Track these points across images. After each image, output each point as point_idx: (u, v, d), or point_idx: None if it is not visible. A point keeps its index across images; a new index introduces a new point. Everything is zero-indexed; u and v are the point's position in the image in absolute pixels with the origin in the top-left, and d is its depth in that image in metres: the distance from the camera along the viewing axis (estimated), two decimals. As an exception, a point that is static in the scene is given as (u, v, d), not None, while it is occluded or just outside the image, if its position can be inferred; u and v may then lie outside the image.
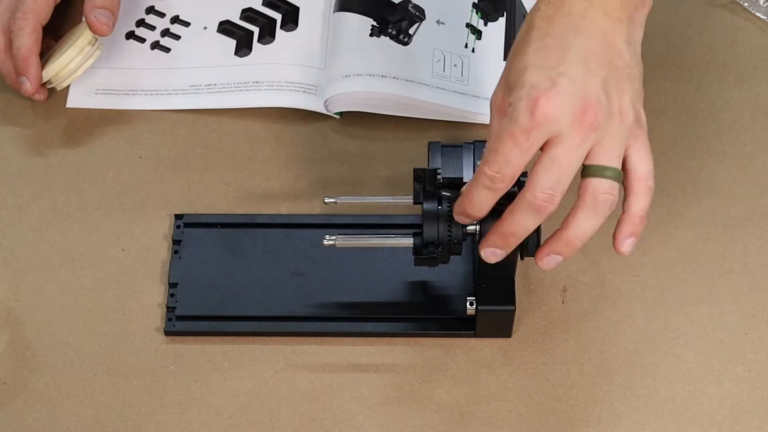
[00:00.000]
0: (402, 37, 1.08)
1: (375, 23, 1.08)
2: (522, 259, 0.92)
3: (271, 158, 1.05)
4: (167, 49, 1.10)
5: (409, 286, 0.98)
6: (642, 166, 0.85)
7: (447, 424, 0.94)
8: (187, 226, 1.01)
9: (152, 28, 1.11)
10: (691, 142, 1.05)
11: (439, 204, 0.89)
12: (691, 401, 0.94)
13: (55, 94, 1.08)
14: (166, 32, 1.11)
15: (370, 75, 1.05)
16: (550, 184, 0.82)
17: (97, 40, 1.06)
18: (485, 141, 0.86)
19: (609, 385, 0.95)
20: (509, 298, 0.93)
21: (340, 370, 0.96)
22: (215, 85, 1.08)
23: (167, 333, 0.97)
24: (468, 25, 1.10)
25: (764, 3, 1.11)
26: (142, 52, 1.10)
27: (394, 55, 1.07)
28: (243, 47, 1.10)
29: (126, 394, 0.95)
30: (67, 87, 1.08)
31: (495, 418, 0.94)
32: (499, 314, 0.94)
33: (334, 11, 1.09)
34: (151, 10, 1.12)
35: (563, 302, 0.98)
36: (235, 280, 0.99)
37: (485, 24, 1.10)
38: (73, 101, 1.08)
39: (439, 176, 0.90)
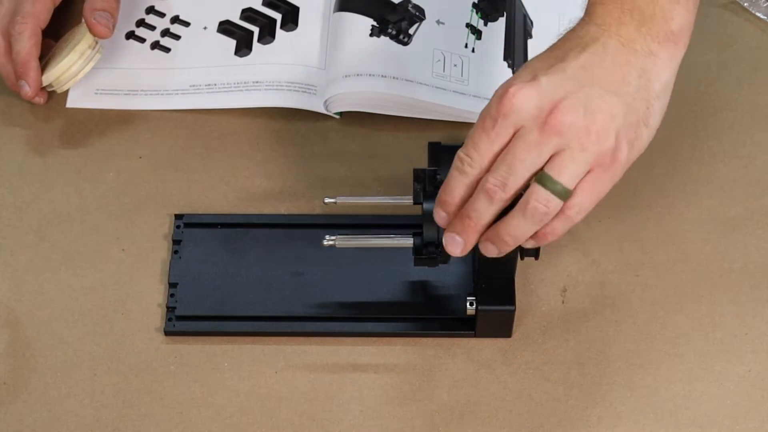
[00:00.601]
0: (402, 37, 1.08)
1: (375, 23, 1.08)
2: (522, 259, 0.92)
3: (271, 158, 1.05)
4: (167, 49, 1.10)
5: (409, 286, 0.98)
6: (576, 200, 0.83)
7: (447, 424, 0.94)
8: (187, 226, 1.01)
9: (152, 28, 1.11)
10: (691, 142, 1.05)
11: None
12: (691, 401, 0.94)
13: (55, 95, 1.08)
14: (166, 32, 1.11)
15: (370, 75, 1.05)
16: (501, 172, 0.82)
17: (97, 43, 1.06)
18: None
19: (609, 385, 0.95)
20: (509, 298, 0.93)
21: (340, 370, 0.96)
22: (215, 85, 1.08)
23: (167, 333, 0.97)
24: (468, 25, 1.10)
25: (764, 3, 1.11)
26: (142, 52, 1.10)
27: (394, 55, 1.07)
28: (243, 47, 1.10)
29: (126, 394, 0.95)
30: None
31: (495, 418, 0.94)
32: (499, 314, 0.94)
33: (334, 11, 1.09)
34: (151, 10, 1.12)
35: (563, 302, 0.98)
36: (235, 280, 0.99)
37: (485, 24, 1.10)
38: (73, 101, 1.08)
39: (438, 176, 0.90)
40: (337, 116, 1.07)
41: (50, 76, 1.05)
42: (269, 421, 0.94)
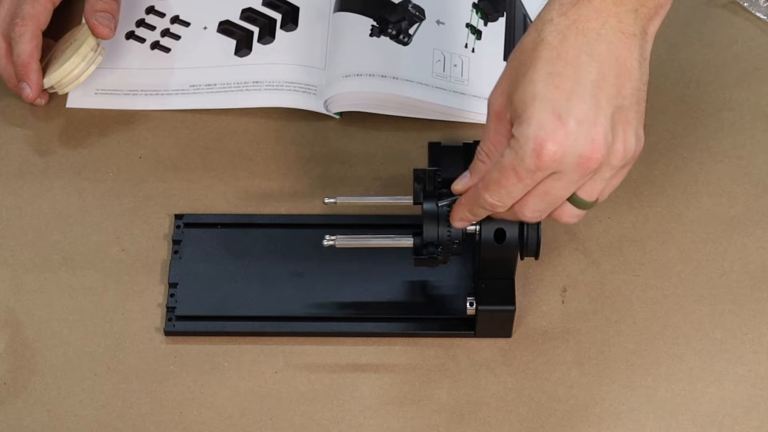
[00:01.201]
0: (402, 37, 1.08)
1: (375, 23, 1.08)
2: (522, 259, 0.92)
3: (271, 158, 1.05)
4: (167, 49, 1.10)
5: (409, 286, 0.98)
6: (605, 195, 0.85)
7: (447, 424, 0.94)
8: (187, 226, 1.01)
9: (152, 28, 1.11)
10: (691, 142, 1.05)
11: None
12: (691, 401, 0.94)
13: (56, 95, 1.08)
14: (166, 32, 1.11)
15: (370, 75, 1.05)
16: (539, 208, 0.83)
17: (99, 45, 1.06)
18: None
19: (609, 385, 0.95)
20: (509, 298, 0.93)
21: (340, 370, 0.96)
22: (215, 85, 1.08)
23: (167, 333, 0.97)
24: (468, 25, 1.10)
25: (764, 3, 1.11)
26: (142, 52, 1.10)
27: (394, 55, 1.07)
28: (243, 47, 1.10)
29: (126, 394, 0.95)
30: (68, 88, 1.08)
31: (495, 418, 0.94)
32: (499, 314, 0.94)
33: (334, 11, 1.09)
34: (151, 10, 1.12)
35: (563, 302, 0.98)
36: (235, 280, 0.99)
37: (485, 24, 1.10)
38: (73, 101, 1.08)
39: (439, 178, 0.90)
40: (337, 116, 1.07)
41: (52, 79, 1.05)
42: (269, 421, 0.94)
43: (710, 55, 1.10)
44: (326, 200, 0.95)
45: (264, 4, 1.12)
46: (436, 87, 1.06)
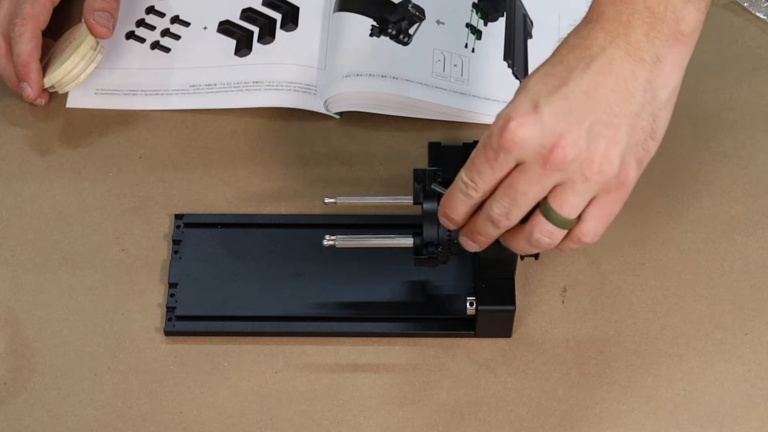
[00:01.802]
0: (402, 37, 1.08)
1: (375, 23, 1.08)
2: (522, 259, 0.92)
3: (271, 158, 1.05)
4: (167, 49, 1.10)
5: (409, 286, 0.98)
6: (587, 227, 0.82)
7: (447, 424, 0.94)
8: (187, 226, 1.01)
9: (152, 28, 1.11)
10: (691, 142, 1.05)
11: (439, 204, 0.89)
12: (691, 401, 0.94)
13: (56, 95, 1.08)
14: (166, 32, 1.11)
15: (370, 75, 1.05)
16: (504, 204, 0.82)
17: (98, 43, 1.06)
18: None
19: (609, 385, 0.95)
20: (509, 298, 0.93)
21: (340, 370, 0.96)
22: (215, 85, 1.08)
23: (167, 333, 0.97)
24: (468, 25, 1.10)
25: (764, 3, 1.11)
26: (142, 52, 1.10)
27: (394, 55, 1.07)
28: (243, 47, 1.10)
29: (126, 394, 0.95)
30: (67, 88, 1.08)
31: (495, 418, 0.94)
32: (499, 314, 0.94)
33: (334, 11, 1.09)
34: (151, 10, 1.12)
35: (563, 302, 0.98)
36: (235, 280, 0.99)
37: (485, 24, 1.10)
38: (73, 101, 1.08)
39: (439, 178, 0.90)
40: (337, 116, 1.07)
41: (52, 79, 1.05)
42: (269, 421, 0.94)
43: (710, 55, 1.10)
44: (326, 200, 0.95)
45: (264, 4, 1.12)
46: (436, 87, 1.06)
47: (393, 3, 1.09)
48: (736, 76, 1.09)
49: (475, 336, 0.96)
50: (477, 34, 1.10)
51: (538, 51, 1.09)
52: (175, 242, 1.00)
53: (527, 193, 0.81)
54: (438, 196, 0.89)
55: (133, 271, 1.00)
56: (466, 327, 0.96)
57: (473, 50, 1.09)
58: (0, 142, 1.06)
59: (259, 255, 1.00)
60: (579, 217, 0.82)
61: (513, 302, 0.93)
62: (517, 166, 0.80)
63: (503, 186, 0.81)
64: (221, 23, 1.11)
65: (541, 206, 0.82)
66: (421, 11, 1.09)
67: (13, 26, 1.04)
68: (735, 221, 1.02)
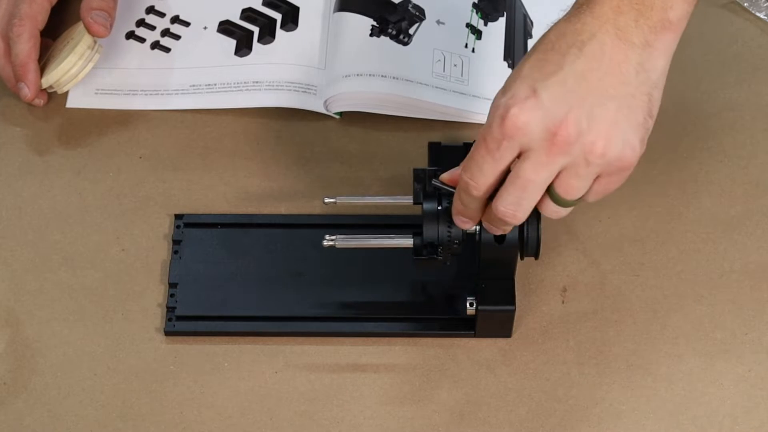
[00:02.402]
0: (402, 37, 1.08)
1: (375, 23, 1.08)
2: (522, 259, 0.92)
3: (271, 158, 1.05)
4: (167, 49, 1.10)
5: (409, 286, 0.98)
6: (589, 198, 0.84)
7: (447, 424, 0.94)
8: (187, 226, 1.01)
9: (152, 28, 1.11)
10: (691, 142, 1.05)
11: (439, 204, 0.89)
12: (691, 401, 0.94)
13: (55, 95, 1.08)
14: (166, 32, 1.11)
15: (370, 75, 1.05)
16: (512, 200, 0.82)
17: (96, 42, 1.06)
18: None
19: (609, 385, 0.95)
20: (509, 298, 0.93)
21: (340, 370, 0.96)
22: (215, 85, 1.08)
23: (167, 333, 0.97)
24: (468, 25, 1.10)
25: (764, 3, 1.11)
26: (142, 52, 1.10)
27: (394, 55, 1.07)
28: (243, 47, 1.10)
29: (126, 394, 0.95)
30: (67, 88, 1.08)
31: (495, 418, 0.94)
32: (499, 314, 0.94)
33: (334, 11, 1.09)
34: (151, 10, 1.12)
35: (563, 302, 0.98)
36: (235, 280, 0.99)
37: (485, 24, 1.10)
38: (73, 101, 1.08)
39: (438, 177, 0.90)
40: (337, 116, 1.07)
41: (50, 79, 1.05)
42: (269, 421, 0.94)
43: (710, 55, 1.10)
44: (326, 200, 0.95)
45: (264, 4, 1.12)
46: (436, 87, 1.06)
47: (393, 3, 1.09)
48: (736, 76, 1.09)
49: (475, 336, 0.96)
50: (477, 34, 1.10)
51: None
52: (175, 242, 1.00)
53: (536, 180, 0.81)
54: (438, 192, 0.89)
55: (133, 271, 1.00)
56: (466, 327, 0.96)
57: (473, 50, 1.09)
58: (0, 142, 1.06)
59: (259, 255, 1.00)
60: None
61: (513, 302, 0.93)
62: (519, 155, 0.80)
63: (509, 180, 0.81)
64: (221, 23, 1.11)
65: (549, 193, 0.82)
66: (421, 11, 1.09)
67: (11, 26, 1.04)
68: (735, 221, 1.02)
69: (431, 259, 0.91)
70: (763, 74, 1.09)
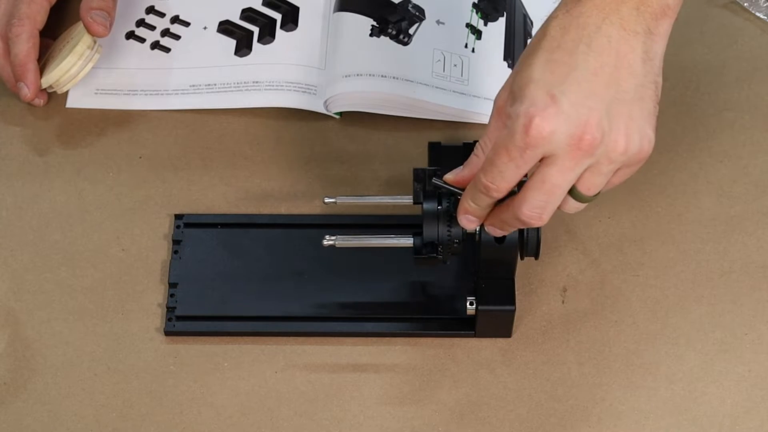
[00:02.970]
0: (402, 37, 1.08)
1: (375, 23, 1.08)
2: (522, 258, 0.92)
3: (271, 158, 1.05)
4: (167, 49, 1.10)
5: (409, 286, 0.98)
6: (610, 186, 0.85)
7: (447, 424, 0.94)
8: (187, 226, 1.01)
9: (152, 28, 1.11)
10: (691, 142, 1.05)
11: (439, 204, 0.89)
12: (691, 401, 0.94)
13: (55, 95, 1.08)
14: (166, 32, 1.11)
15: (370, 75, 1.05)
16: (538, 203, 0.82)
17: (96, 42, 1.06)
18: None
19: (609, 385, 0.95)
20: (509, 298, 0.93)
21: (340, 370, 0.96)
22: (215, 85, 1.08)
23: (167, 333, 0.97)
24: (468, 25, 1.10)
25: (764, 3, 1.11)
26: (142, 52, 1.10)
27: (394, 55, 1.07)
28: (243, 47, 1.10)
29: (126, 394, 0.95)
30: (67, 88, 1.08)
31: (495, 418, 0.94)
32: (499, 314, 0.94)
33: (334, 11, 1.09)
34: (151, 10, 1.12)
35: (563, 302, 0.98)
36: (235, 280, 0.99)
37: (485, 24, 1.10)
38: (73, 101, 1.08)
39: (439, 176, 0.90)
40: (337, 116, 1.07)
41: (50, 79, 1.05)
42: (269, 421, 0.94)
43: (710, 55, 1.10)
44: (326, 200, 0.95)
45: (264, 4, 1.12)
46: (436, 87, 1.06)
47: (393, 3, 1.09)
48: (736, 76, 1.09)
49: (475, 336, 0.96)
50: (477, 34, 1.10)
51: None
52: (175, 242, 1.00)
53: (562, 184, 0.81)
54: (438, 192, 0.89)
55: (133, 271, 1.00)
56: (466, 327, 0.96)
57: (473, 50, 1.09)
58: (0, 142, 1.06)
59: (259, 255, 1.00)
60: None
61: (513, 302, 0.93)
62: (542, 160, 0.81)
63: (534, 185, 0.82)
64: (221, 23, 1.11)
65: (571, 193, 0.83)
66: (421, 11, 1.09)
67: (11, 26, 1.04)
68: (735, 221, 1.02)
69: (431, 258, 0.91)
70: (763, 74, 1.09)
